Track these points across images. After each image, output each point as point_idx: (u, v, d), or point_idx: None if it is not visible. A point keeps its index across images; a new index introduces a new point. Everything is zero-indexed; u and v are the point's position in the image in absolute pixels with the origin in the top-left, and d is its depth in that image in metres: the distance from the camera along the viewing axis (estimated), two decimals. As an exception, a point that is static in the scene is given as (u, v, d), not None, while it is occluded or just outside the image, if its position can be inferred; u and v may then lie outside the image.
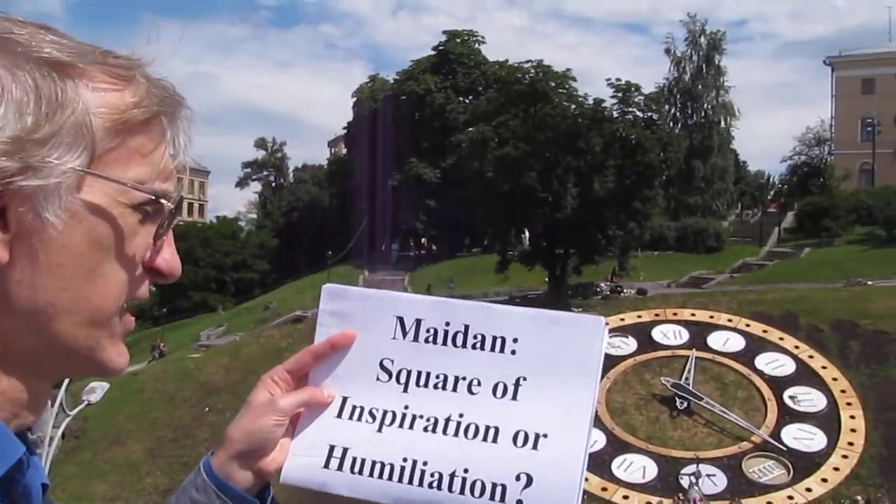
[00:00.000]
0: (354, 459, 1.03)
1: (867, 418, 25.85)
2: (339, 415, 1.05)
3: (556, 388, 0.99)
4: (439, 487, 0.99)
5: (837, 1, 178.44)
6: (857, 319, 33.11)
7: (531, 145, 38.58)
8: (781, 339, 29.00)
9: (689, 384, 27.46)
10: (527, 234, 44.35)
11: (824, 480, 23.54)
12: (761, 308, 32.19)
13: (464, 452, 1.00)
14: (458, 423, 1.01)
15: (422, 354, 1.05)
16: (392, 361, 1.06)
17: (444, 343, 1.04)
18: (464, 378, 1.03)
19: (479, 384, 1.02)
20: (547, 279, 39.55)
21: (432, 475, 1.00)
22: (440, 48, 62.66)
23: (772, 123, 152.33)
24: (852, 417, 25.67)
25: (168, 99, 0.84)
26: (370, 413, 1.05)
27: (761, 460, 24.56)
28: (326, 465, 1.04)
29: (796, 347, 28.37)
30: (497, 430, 1.00)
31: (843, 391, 26.62)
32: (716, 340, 29.87)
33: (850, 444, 24.73)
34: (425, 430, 1.02)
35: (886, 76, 60.85)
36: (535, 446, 0.98)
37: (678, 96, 62.69)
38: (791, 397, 26.20)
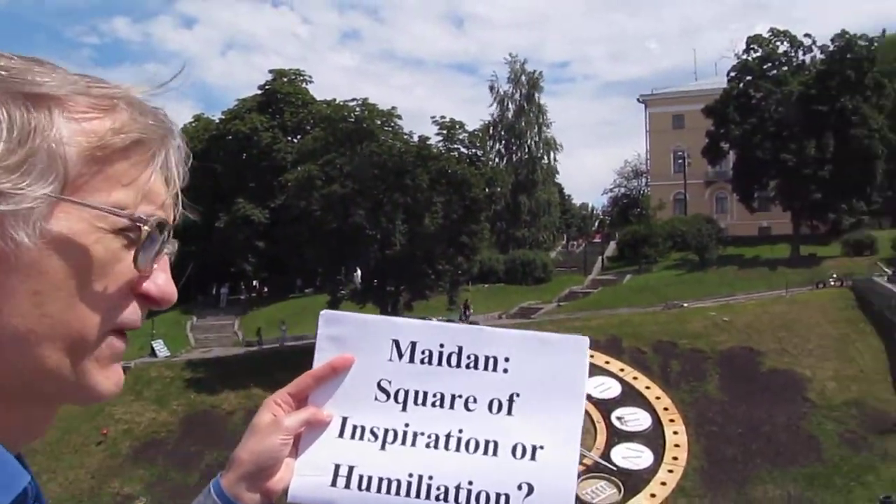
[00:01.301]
0: (361, 477, 1.07)
1: (689, 433, 26.81)
2: (342, 434, 1.09)
3: (548, 403, 1.06)
4: (446, 500, 1.04)
5: (651, 44, 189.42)
6: (676, 340, 34.85)
7: (358, 183, 38.53)
8: (607, 362, 29.15)
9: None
10: (359, 272, 44.11)
11: (653, 496, 23.92)
12: (587, 334, 32.18)
13: (467, 466, 1.05)
14: (459, 439, 1.07)
15: (418, 375, 1.09)
16: (389, 382, 1.10)
17: (440, 364, 1.09)
18: (460, 396, 1.08)
19: (475, 401, 1.08)
20: (379, 317, 39.22)
21: (438, 488, 1.05)
22: (267, 87, 61.88)
23: (595, 158, 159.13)
24: (675, 433, 26.03)
25: (154, 126, 0.84)
26: (371, 432, 1.09)
27: (594, 482, 24.77)
28: (334, 484, 1.07)
29: (621, 370, 28.68)
30: (496, 443, 1.06)
31: (665, 409, 26.99)
32: (547, 368, 30.48)
33: (675, 458, 25.10)
34: (427, 446, 1.07)
35: (694, 112, 64.66)
36: (532, 457, 1.04)
37: (502, 133, 64.45)
38: (618, 418, 26.63)
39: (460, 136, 41.12)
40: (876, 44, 56.97)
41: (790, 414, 31.77)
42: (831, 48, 55.89)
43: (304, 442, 1.08)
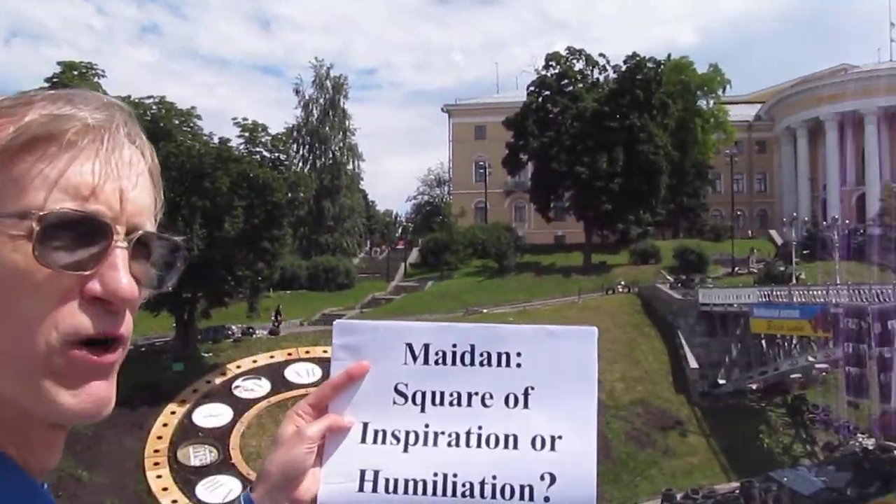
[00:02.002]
0: (387, 480, 1.08)
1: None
2: (364, 440, 1.10)
3: (562, 394, 1.09)
4: (472, 495, 1.06)
5: (456, 56, 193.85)
6: (477, 345, 35.61)
7: (155, 184, 36.67)
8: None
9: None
10: (154, 278, 41.90)
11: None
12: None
13: (489, 461, 1.07)
14: (479, 435, 1.09)
15: (433, 376, 1.11)
16: (406, 385, 1.11)
17: (454, 363, 1.11)
18: (476, 393, 1.10)
19: (491, 397, 1.10)
20: (175, 325, 37.44)
21: (464, 485, 1.07)
22: (54, 80, 58.05)
23: (400, 165, 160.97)
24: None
25: (60, 120, 0.80)
26: (393, 435, 1.10)
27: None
28: (361, 489, 1.09)
29: None
30: (516, 437, 1.08)
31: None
32: (348, 374, 30.24)
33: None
34: (449, 444, 1.09)
35: (495, 124, 66.69)
36: (552, 447, 1.07)
37: (307, 137, 63.71)
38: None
39: (263, 139, 40.09)
40: (662, 66, 60.90)
41: (582, 415, 33.16)
42: (623, 69, 59.23)
43: (327, 450, 1.09)
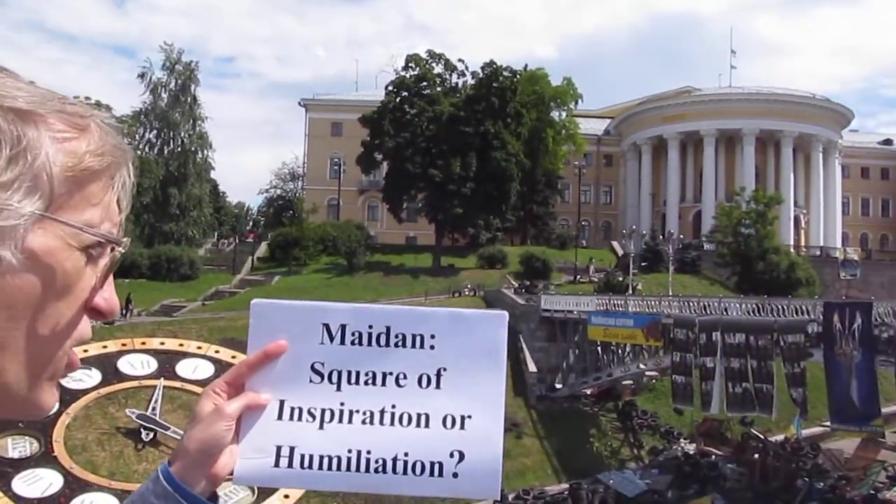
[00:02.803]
0: (303, 456, 1.11)
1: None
2: (280, 417, 1.12)
3: (473, 375, 1.13)
4: (384, 471, 1.10)
5: (318, 50, 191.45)
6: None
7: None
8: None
9: (155, 414, 26.53)
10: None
11: (286, 496, 24.23)
12: (232, 334, 32.53)
13: (402, 438, 1.11)
14: (393, 414, 1.12)
15: (350, 356, 1.14)
16: (323, 364, 1.13)
17: (370, 344, 1.14)
18: (391, 373, 1.13)
19: (405, 377, 1.13)
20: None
21: (376, 461, 1.11)
22: None
23: (255, 157, 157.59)
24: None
25: (118, 148, 0.87)
26: (309, 413, 1.13)
27: (227, 484, 24.15)
28: (277, 464, 1.11)
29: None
30: (427, 416, 1.12)
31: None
32: (185, 368, 29.18)
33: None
34: (363, 422, 1.12)
35: (352, 121, 66.40)
36: (462, 426, 1.12)
37: (154, 122, 61.37)
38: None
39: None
40: (518, 76, 62.21)
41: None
42: (480, 75, 60.14)
43: (244, 426, 1.10)
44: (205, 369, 29.02)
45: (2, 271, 0.77)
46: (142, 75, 61.77)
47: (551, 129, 68.51)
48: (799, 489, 23.68)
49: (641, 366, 33.40)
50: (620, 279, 50.85)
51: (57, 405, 0.83)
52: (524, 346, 39.67)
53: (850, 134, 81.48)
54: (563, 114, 71.55)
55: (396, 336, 1.14)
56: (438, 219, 58.98)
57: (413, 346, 1.14)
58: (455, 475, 1.11)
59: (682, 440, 31.45)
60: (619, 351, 34.56)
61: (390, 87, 60.80)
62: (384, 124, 58.10)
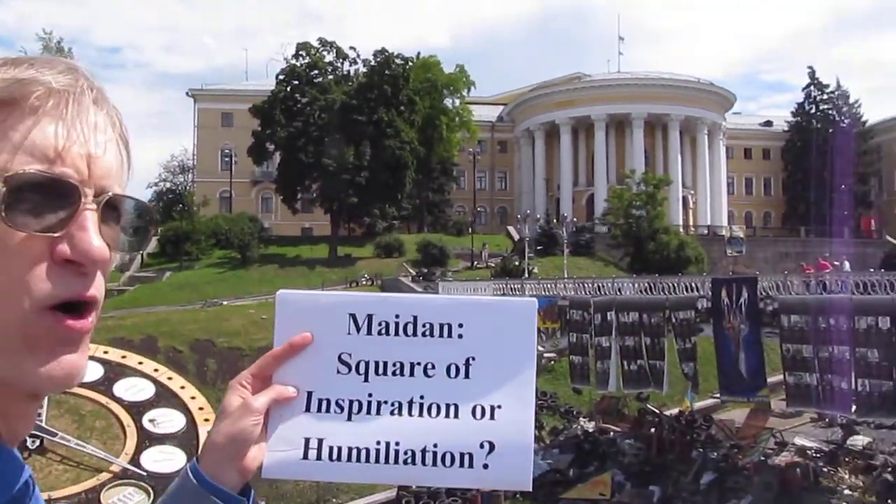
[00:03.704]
0: (331, 448, 1.11)
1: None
2: (308, 409, 1.12)
3: (502, 364, 1.12)
4: (413, 462, 1.10)
5: (207, 39, 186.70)
6: (214, 338, 34.41)
7: None
8: (140, 363, 28.48)
9: (41, 421, 25.33)
10: None
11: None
12: (121, 334, 31.45)
13: (430, 429, 1.11)
14: (421, 405, 1.11)
15: (377, 346, 1.13)
16: (350, 355, 1.13)
17: (397, 334, 1.13)
18: (419, 363, 1.13)
19: (433, 367, 1.12)
20: None
21: (405, 453, 1.10)
22: None
23: (145, 151, 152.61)
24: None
25: (22, 84, 0.80)
26: (337, 404, 1.12)
27: (121, 489, 23.69)
28: (305, 457, 1.11)
29: (155, 370, 28.10)
30: (457, 406, 1.11)
31: (200, 408, 27.07)
32: (71, 370, 28.15)
33: (209, 459, 25.22)
34: (392, 413, 1.11)
35: (243, 111, 64.97)
36: (492, 416, 1.10)
37: (33, 115, 58.78)
38: (151, 420, 25.82)
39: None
40: (411, 64, 61.96)
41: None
42: (372, 63, 59.63)
43: (272, 420, 1.10)
44: (93, 371, 27.96)
45: None
46: (16, 66, 58.98)
47: (445, 117, 68.60)
48: (694, 460, 24.25)
49: (539, 348, 33.71)
50: (517, 264, 51.27)
51: (64, 378, 0.77)
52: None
53: (733, 116, 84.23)
54: (457, 101, 71.72)
55: (424, 325, 1.13)
56: (333, 209, 58.35)
57: (441, 335, 1.13)
58: (485, 466, 1.09)
59: (581, 419, 31.85)
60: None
61: (281, 77, 59.74)
62: (275, 114, 57.04)
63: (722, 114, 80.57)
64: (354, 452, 1.10)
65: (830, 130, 77.60)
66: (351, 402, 1.12)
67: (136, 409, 26.34)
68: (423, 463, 1.09)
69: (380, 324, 1.13)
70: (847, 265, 36.25)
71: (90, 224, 0.80)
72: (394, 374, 1.12)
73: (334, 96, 57.37)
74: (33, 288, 0.77)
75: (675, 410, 28.44)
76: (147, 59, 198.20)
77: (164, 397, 27.14)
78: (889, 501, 19.96)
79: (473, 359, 1.12)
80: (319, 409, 1.11)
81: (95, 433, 25.86)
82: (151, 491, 24.05)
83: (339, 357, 1.13)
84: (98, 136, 0.83)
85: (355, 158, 55.15)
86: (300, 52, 59.80)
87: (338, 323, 1.13)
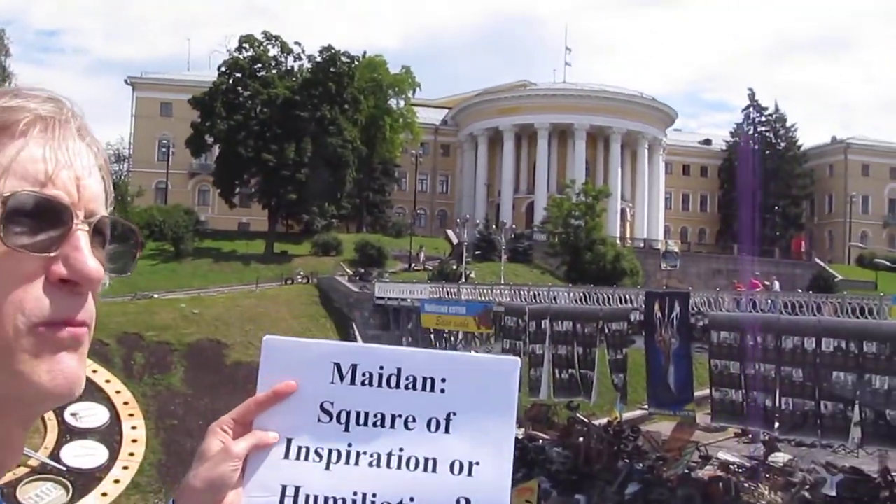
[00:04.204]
0: (307, 496, 1.09)
1: (148, 427, 26.23)
2: (287, 456, 1.11)
3: (482, 421, 1.11)
4: None
5: (150, 28, 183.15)
6: (143, 331, 33.76)
7: None
8: None
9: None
10: None
11: (104, 494, 23.04)
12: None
13: (408, 483, 1.10)
14: (400, 457, 1.11)
15: (359, 396, 1.12)
16: (332, 404, 1.12)
17: (380, 385, 1.12)
18: (400, 416, 1.12)
19: (414, 420, 1.12)
20: None
21: None
22: None
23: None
24: (134, 428, 25.70)
25: (9, 111, 0.82)
26: (316, 452, 1.11)
27: (39, 484, 23.04)
28: None
29: None
30: (435, 460, 1.10)
31: (126, 403, 26.52)
32: None
33: (132, 454, 24.73)
34: (370, 464, 1.10)
35: (183, 102, 63.88)
36: (470, 473, 1.09)
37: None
38: (73, 414, 25.17)
39: None
40: (357, 62, 61.65)
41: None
42: (318, 59, 59.16)
43: (250, 464, 1.09)
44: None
45: None
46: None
47: (389, 117, 68.46)
48: (620, 470, 24.47)
49: (473, 353, 33.77)
50: (454, 268, 51.35)
51: (66, 385, 0.79)
52: (357, 333, 39.45)
53: (673, 133, 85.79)
54: (402, 102, 71.62)
55: (407, 378, 1.12)
56: (272, 204, 57.73)
57: (423, 388, 1.12)
58: None
59: (511, 426, 32.05)
60: (452, 338, 34.82)
61: (223, 69, 58.85)
62: (216, 106, 56.14)
63: (663, 129, 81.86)
64: (331, 502, 1.08)
65: (767, 152, 79.47)
66: (330, 451, 1.10)
67: (58, 402, 25.69)
68: None
69: (363, 374, 1.12)
70: (777, 285, 37.11)
71: (83, 244, 0.82)
72: (374, 425, 1.11)
73: (277, 91, 56.74)
74: (27, 307, 0.78)
75: (604, 420, 28.70)
76: (87, 45, 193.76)
77: (88, 391, 26.42)
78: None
79: (454, 414, 1.11)
80: (298, 457, 1.10)
81: (13, 425, 25.17)
82: (71, 486, 23.44)
83: (322, 405, 1.12)
84: (84, 162, 0.85)
85: (296, 155, 54.62)
86: (244, 45, 59.01)
87: (322, 371, 1.12)
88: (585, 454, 25.88)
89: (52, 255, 0.80)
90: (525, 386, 26.64)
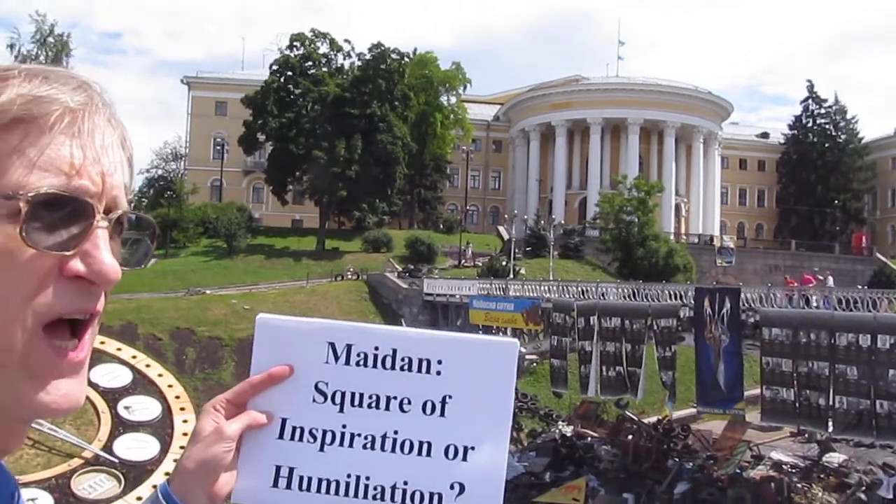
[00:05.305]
0: (301, 478, 1.09)
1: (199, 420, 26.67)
2: (281, 436, 1.11)
3: (479, 405, 1.09)
4: (382, 499, 1.08)
5: (209, 26, 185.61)
6: (195, 327, 34.20)
7: None
8: (119, 349, 28.07)
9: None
10: None
11: (155, 487, 23.42)
12: (101, 319, 31.24)
13: (402, 466, 1.09)
14: (395, 440, 1.10)
15: (354, 377, 1.11)
16: (327, 384, 1.11)
17: (375, 366, 1.11)
18: (395, 397, 1.11)
19: (409, 403, 1.10)
20: None
21: (375, 488, 1.08)
22: None
23: (140, 137, 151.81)
24: (185, 422, 25.67)
25: (40, 102, 0.80)
26: (310, 433, 1.11)
27: (92, 475, 23.29)
28: (275, 485, 1.09)
29: (133, 357, 27.55)
30: (430, 444, 1.09)
31: (177, 397, 26.69)
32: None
33: (182, 447, 25.08)
34: (364, 447, 1.10)
35: (237, 101, 64.62)
36: (464, 458, 1.08)
37: (24, 97, 58.24)
38: (126, 408, 25.45)
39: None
40: (407, 60, 61.68)
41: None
42: (368, 56, 59.33)
43: (245, 445, 1.09)
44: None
45: None
46: (10, 46, 58.60)
47: (440, 114, 68.40)
48: (669, 469, 24.08)
49: (522, 349, 33.57)
50: (504, 264, 51.12)
51: (65, 403, 0.78)
52: (406, 330, 39.49)
53: (730, 127, 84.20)
54: (453, 99, 71.48)
55: (403, 359, 1.10)
56: (323, 201, 58.07)
57: (419, 370, 1.10)
58: None
59: (560, 423, 31.70)
60: (500, 335, 34.41)
61: (274, 67, 59.43)
62: (268, 104, 56.73)
63: (719, 123, 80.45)
64: (324, 484, 1.07)
65: (826, 145, 77.61)
66: (324, 432, 1.09)
67: (112, 396, 25.92)
68: (392, 500, 1.07)
69: (359, 354, 1.10)
70: (831, 280, 36.15)
71: (102, 242, 0.80)
72: (369, 406, 1.10)
73: (327, 88, 57.06)
74: (37, 304, 0.77)
75: (653, 418, 28.29)
76: (148, 46, 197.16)
77: (141, 385, 26.59)
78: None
79: (450, 397, 1.09)
80: (293, 438, 1.09)
81: (69, 419, 25.23)
82: (123, 478, 23.87)
83: (316, 386, 1.10)
84: (111, 157, 0.84)
85: (347, 152, 54.86)
86: (294, 43, 59.48)
87: (317, 351, 1.10)
88: (634, 452, 25.51)
89: (69, 253, 0.78)
90: (575, 383, 26.38)
